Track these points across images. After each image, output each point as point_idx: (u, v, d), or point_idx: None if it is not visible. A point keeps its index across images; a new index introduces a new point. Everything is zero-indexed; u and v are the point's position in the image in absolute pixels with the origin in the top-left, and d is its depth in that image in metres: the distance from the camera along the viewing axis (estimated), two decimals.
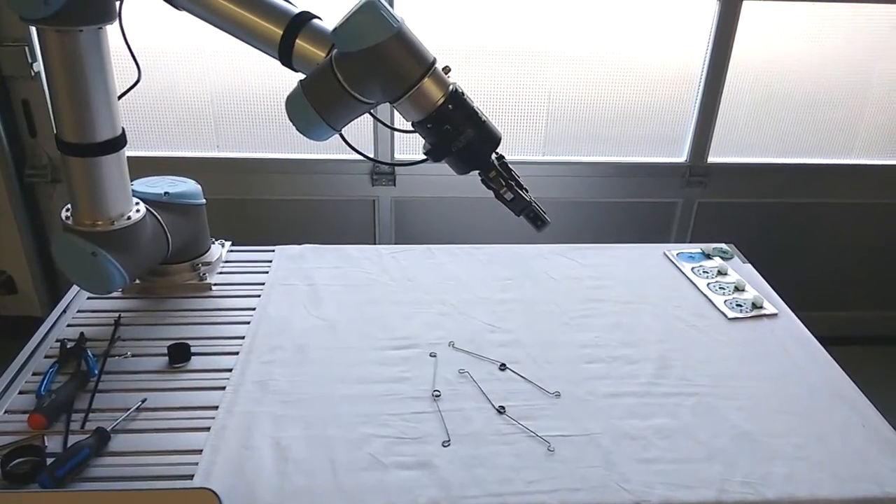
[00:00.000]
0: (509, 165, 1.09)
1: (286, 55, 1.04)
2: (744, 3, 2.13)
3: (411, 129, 1.06)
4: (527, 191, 1.08)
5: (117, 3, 1.10)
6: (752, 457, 1.04)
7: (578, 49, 2.19)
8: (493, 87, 2.22)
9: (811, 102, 2.32)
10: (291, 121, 1.00)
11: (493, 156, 1.06)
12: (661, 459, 1.03)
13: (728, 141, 2.36)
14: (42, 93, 2.15)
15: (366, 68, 0.95)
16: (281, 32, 1.02)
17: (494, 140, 1.04)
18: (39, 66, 2.11)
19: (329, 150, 2.21)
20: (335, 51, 0.97)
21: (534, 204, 1.08)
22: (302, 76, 1.02)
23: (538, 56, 2.19)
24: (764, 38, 2.21)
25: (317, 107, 0.97)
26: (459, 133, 1.00)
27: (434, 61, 0.98)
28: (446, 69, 1.01)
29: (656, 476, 1.00)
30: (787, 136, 2.38)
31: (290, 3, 1.07)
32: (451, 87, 0.99)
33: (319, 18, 1.05)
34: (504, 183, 1.06)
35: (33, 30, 2.10)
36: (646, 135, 2.34)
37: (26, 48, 2.07)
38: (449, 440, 1.05)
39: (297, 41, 1.02)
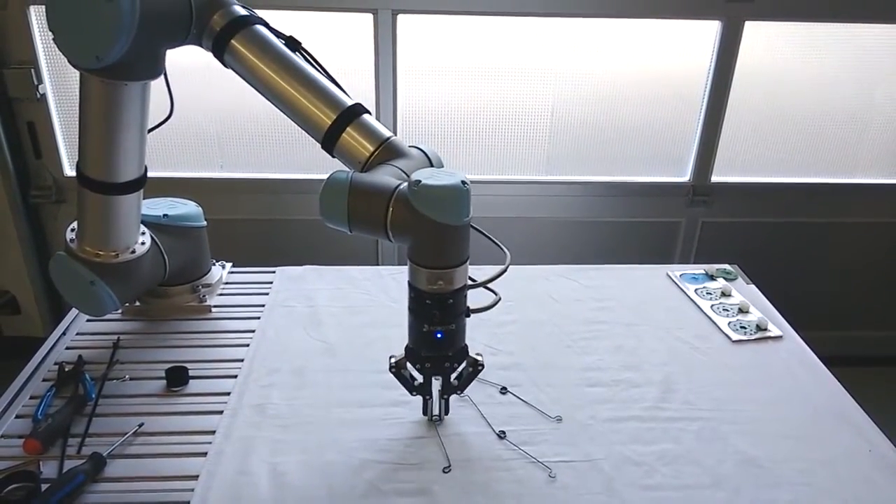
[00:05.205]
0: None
1: (330, 143, 1.02)
2: (746, 22, 2.13)
3: None
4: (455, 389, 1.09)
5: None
6: (757, 483, 1.02)
7: (581, 68, 2.19)
8: (496, 106, 2.22)
9: (814, 121, 2.32)
10: (321, 201, 0.94)
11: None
12: (664, 486, 1.01)
13: (732, 160, 2.36)
14: (47, 115, 2.16)
15: (417, 228, 0.92)
16: (330, 121, 1.01)
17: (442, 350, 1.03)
18: (45, 88, 2.12)
19: (332, 169, 2.21)
20: (402, 185, 0.93)
21: (430, 399, 1.09)
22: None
23: (541, 75, 2.19)
24: (767, 58, 2.21)
25: (352, 213, 0.93)
26: (430, 319, 0.99)
27: (467, 259, 0.97)
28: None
29: (659, 503, 0.98)
30: (790, 155, 2.37)
31: (344, 91, 1.06)
32: (463, 284, 0.98)
33: (369, 113, 1.04)
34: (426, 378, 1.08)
35: (40, 52, 2.12)
36: (649, 154, 2.34)
37: (32, 70, 2.07)
38: (449, 466, 1.04)
39: (345, 134, 1.01)
